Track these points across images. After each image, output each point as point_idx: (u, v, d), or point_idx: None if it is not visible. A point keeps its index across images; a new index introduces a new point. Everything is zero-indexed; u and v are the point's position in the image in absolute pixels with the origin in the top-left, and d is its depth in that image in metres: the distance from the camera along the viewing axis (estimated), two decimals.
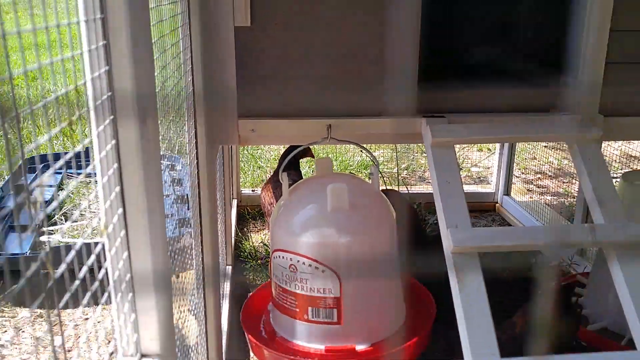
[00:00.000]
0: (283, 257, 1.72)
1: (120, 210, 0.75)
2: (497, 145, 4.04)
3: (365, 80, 1.82)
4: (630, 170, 2.13)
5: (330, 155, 4.61)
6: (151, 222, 0.79)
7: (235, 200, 3.84)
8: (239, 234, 3.49)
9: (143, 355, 0.80)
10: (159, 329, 0.81)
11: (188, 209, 1.57)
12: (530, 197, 4.20)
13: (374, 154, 3.37)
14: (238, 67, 1.72)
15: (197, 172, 1.70)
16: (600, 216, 1.60)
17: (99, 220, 0.70)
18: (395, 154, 4.62)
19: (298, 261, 1.68)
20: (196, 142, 1.68)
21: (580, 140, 1.73)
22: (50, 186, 3.62)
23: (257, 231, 3.62)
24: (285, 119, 1.80)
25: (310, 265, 1.67)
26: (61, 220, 3.30)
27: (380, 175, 3.41)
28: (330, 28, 1.78)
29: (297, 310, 1.72)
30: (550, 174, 4.67)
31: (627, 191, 1.95)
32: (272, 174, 3.31)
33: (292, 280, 1.71)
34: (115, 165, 0.72)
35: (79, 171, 3.81)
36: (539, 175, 4.68)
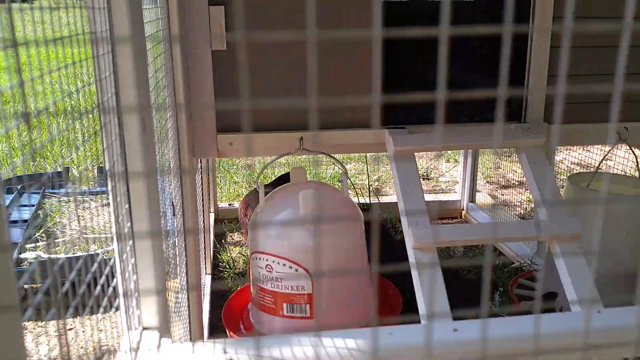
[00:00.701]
0: (260, 259, 1.88)
1: (129, 224, 0.90)
2: (462, 156, 4.25)
3: (333, 96, 1.99)
4: (576, 173, 2.34)
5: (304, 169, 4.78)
6: (154, 241, 0.95)
7: (213, 214, 3.98)
8: (217, 245, 3.62)
9: (145, 328, 0.95)
10: (157, 307, 0.96)
11: (174, 220, 1.72)
12: (494, 204, 4.42)
13: (345, 166, 3.52)
14: (216, 86, 1.89)
15: (181, 184, 1.85)
16: (545, 213, 1.80)
17: (116, 222, 0.85)
18: (366, 166, 4.81)
19: (274, 262, 1.83)
20: (179, 156, 1.83)
21: (527, 146, 1.93)
22: (27, 206, 3.72)
23: (235, 243, 3.75)
24: (260, 132, 1.96)
25: (284, 265, 1.83)
26: (42, 237, 3.39)
27: (352, 185, 3.55)
28: (299, 50, 1.95)
29: (274, 307, 1.87)
30: (512, 181, 4.92)
31: (572, 191, 2.15)
32: (251, 190, 3.46)
33: (268, 280, 1.86)
34: (126, 206, 0.88)
35: (59, 191, 3.90)
36: (502, 183, 4.92)
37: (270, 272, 1.84)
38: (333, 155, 2.08)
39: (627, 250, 2.00)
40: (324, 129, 2.01)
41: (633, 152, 2.03)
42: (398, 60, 2.54)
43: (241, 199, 4.45)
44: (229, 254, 3.53)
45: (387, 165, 5.38)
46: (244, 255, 3.52)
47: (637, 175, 2.24)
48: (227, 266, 3.35)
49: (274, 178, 3.28)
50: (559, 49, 2.03)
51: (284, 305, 1.85)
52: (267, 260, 1.84)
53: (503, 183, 4.98)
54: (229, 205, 4.28)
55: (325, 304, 1.84)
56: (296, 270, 1.81)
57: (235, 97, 1.96)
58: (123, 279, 0.90)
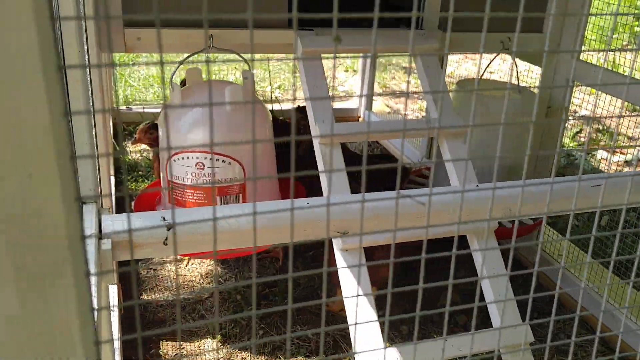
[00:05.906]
0: (188, 158, 1.94)
1: None
2: (360, 66, 4.41)
3: None
4: (464, 79, 2.57)
5: (204, 77, 4.73)
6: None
7: (111, 117, 3.89)
8: (117, 148, 3.59)
9: (83, 202, 1.02)
10: (93, 182, 1.03)
11: None
12: (390, 112, 4.68)
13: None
14: None
15: (90, 78, 1.84)
16: (435, 112, 2.00)
17: None
18: (268, 72, 4.85)
19: (205, 158, 1.92)
20: (87, 49, 1.80)
21: (422, 51, 2.09)
22: None
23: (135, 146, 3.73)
24: (170, 28, 1.96)
25: (217, 160, 1.93)
26: None
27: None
28: None
29: (207, 202, 1.97)
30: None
31: (459, 95, 2.38)
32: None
33: (199, 177, 1.94)
34: None
35: None
36: (397, 93, 5.18)
37: (201, 169, 1.93)
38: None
39: (503, 148, 2.28)
40: (233, 28, 2.05)
41: (513, 60, 2.26)
42: None
43: (138, 102, 4.37)
44: (130, 157, 3.52)
45: (287, 73, 5.44)
46: (147, 158, 3.53)
47: (516, 83, 2.51)
48: (130, 168, 3.36)
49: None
50: None
51: (218, 198, 1.96)
52: (197, 157, 1.92)
53: (398, 92, 5.24)
54: (127, 108, 4.20)
55: (254, 192, 1.98)
56: (229, 163, 1.92)
57: None
58: None
